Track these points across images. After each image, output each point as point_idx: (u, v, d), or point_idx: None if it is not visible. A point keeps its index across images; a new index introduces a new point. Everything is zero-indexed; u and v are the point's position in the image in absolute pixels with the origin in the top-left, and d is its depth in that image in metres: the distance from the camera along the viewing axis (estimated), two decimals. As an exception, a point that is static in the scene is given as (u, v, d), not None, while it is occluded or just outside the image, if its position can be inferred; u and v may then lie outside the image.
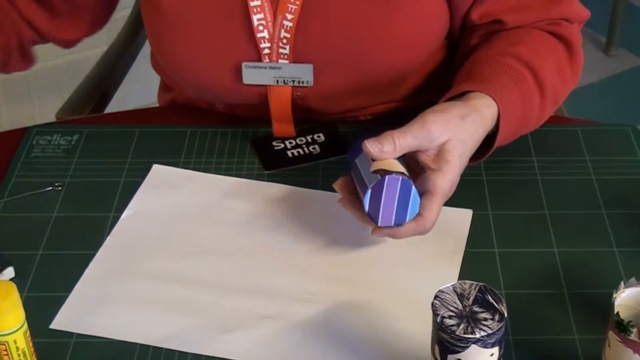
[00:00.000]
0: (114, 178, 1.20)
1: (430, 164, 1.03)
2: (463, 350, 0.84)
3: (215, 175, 1.20)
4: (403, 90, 1.28)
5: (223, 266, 1.07)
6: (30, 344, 0.90)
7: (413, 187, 0.99)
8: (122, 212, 1.14)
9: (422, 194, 1.01)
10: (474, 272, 1.05)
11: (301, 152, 1.23)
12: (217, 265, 1.07)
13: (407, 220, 1.01)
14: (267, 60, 1.18)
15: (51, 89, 2.48)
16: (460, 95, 1.11)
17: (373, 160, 1.02)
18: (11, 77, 2.57)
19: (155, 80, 1.44)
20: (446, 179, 1.02)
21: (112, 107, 1.52)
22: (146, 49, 1.45)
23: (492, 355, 0.85)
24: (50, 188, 1.18)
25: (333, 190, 1.16)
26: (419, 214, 1.01)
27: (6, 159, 1.23)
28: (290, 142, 1.24)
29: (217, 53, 1.19)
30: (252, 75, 1.19)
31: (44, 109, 2.17)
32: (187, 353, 0.98)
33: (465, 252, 1.08)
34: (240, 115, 1.28)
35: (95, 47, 1.62)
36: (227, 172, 1.20)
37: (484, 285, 0.87)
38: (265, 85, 1.20)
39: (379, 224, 1.01)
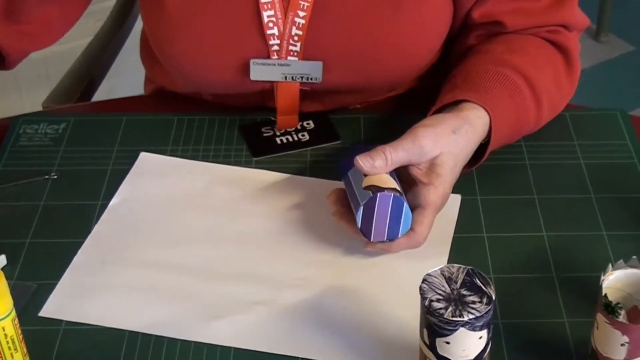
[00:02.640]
0: (101, 166, 1.19)
1: (421, 178, 1.04)
2: (451, 334, 0.84)
3: (203, 162, 1.20)
4: (403, 85, 1.29)
5: (211, 253, 1.07)
6: (19, 331, 0.90)
7: (405, 203, 1.00)
8: (109, 200, 1.14)
9: (413, 208, 1.02)
10: (463, 256, 1.05)
11: (290, 139, 1.23)
12: (206, 252, 1.07)
13: (400, 235, 1.02)
14: (276, 57, 1.18)
15: (40, 80, 2.46)
16: (453, 104, 1.10)
17: (365, 174, 1.03)
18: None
19: (141, 71, 1.43)
20: (438, 193, 1.03)
21: (100, 98, 1.51)
22: (134, 40, 1.45)
23: (480, 338, 0.85)
24: (47, 177, 1.18)
25: (321, 177, 1.17)
26: (411, 229, 1.02)
27: (-7, 148, 1.23)
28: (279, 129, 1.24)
29: (223, 49, 1.18)
30: (260, 71, 1.18)
31: (33, 100, 2.16)
32: (176, 339, 0.97)
33: (454, 237, 1.08)
34: (228, 104, 1.28)
35: (84, 38, 1.62)
36: (215, 159, 1.20)
37: (471, 269, 0.87)
38: (271, 82, 1.20)
39: (372, 239, 1.02)
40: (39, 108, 1.41)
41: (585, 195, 1.14)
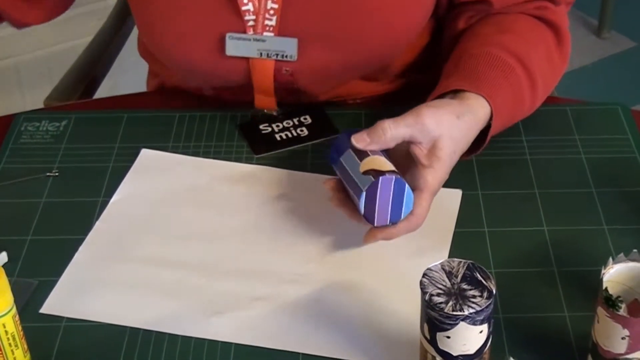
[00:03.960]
0: (102, 163, 1.19)
1: (422, 159, 1.02)
2: (452, 328, 0.84)
3: (203, 159, 1.20)
4: (390, 72, 1.28)
5: (212, 249, 1.07)
6: (20, 328, 0.90)
7: (406, 185, 0.99)
8: (110, 197, 1.14)
9: (412, 189, 1.01)
10: (463, 251, 1.05)
11: (289, 134, 1.23)
12: (207, 248, 1.07)
13: (402, 217, 1.01)
14: (252, 32, 1.17)
15: (42, 79, 2.47)
16: (452, 92, 1.10)
17: (359, 156, 1.01)
18: (1, 67, 2.57)
19: (143, 69, 1.44)
20: (437, 177, 1.02)
21: (102, 96, 1.52)
22: (135, 38, 1.45)
23: (481, 332, 0.85)
24: (48, 174, 1.18)
25: (322, 173, 1.16)
26: (410, 213, 1.01)
27: (-5, 146, 1.23)
28: (278, 125, 1.24)
29: (201, 25, 1.17)
30: (235, 47, 1.17)
31: (35, 99, 2.16)
32: (177, 335, 0.97)
33: (454, 232, 1.08)
34: (227, 99, 1.28)
35: (86, 36, 1.62)
36: (216, 156, 1.20)
37: (472, 263, 0.87)
38: (248, 59, 1.19)
39: (375, 224, 1.01)
40: (41, 107, 1.41)
41: (586, 189, 1.14)
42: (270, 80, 1.21)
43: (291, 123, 1.24)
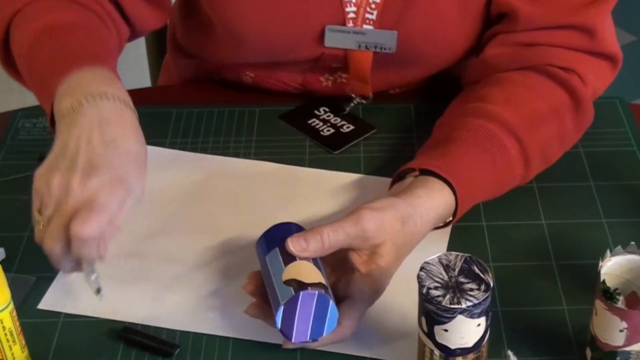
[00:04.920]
0: (100, 159, 1.19)
1: (360, 267, 0.94)
2: (449, 321, 0.84)
3: (202, 154, 1.19)
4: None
5: (210, 244, 1.07)
6: (18, 324, 0.90)
7: (331, 301, 0.89)
8: (109, 192, 1.14)
9: (344, 297, 0.94)
10: (462, 245, 1.05)
11: (332, 130, 1.23)
12: (205, 243, 1.07)
13: (324, 334, 0.92)
14: (352, 24, 1.17)
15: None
16: (423, 171, 1.02)
17: (285, 259, 0.92)
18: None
19: (142, 65, 1.43)
20: (375, 287, 0.94)
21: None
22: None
23: (478, 325, 0.85)
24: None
25: (320, 167, 1.16)
26: (338, 323, 0.92)
27: (-8, 142, 1.23)
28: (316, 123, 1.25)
29: (298, 16, 1.17)
30: (334, 38, 1.18)
31: (35, 98, 2.17)
32: (175, 330, 0.97)
33: (453, 226, 1.07)
34: (265, 87, 1.27)
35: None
36: (214, 151, 1.20)
37: (469, 256, 0.87)
38: (344, 49, 1.19)
39: (293, 341, 0.92)
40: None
41: (585, 183, 1.14)
42: (368, 70, 1.21)
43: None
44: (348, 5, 1.16)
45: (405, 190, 1.00)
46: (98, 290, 0.95)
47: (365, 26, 1.17)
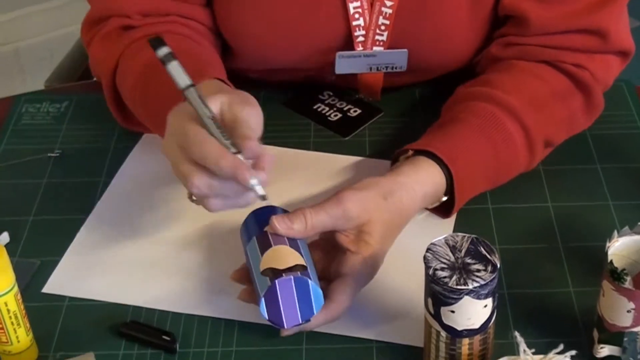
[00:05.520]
0: (103, 144, 1.19)
1: (349, 246, 0.94)
2: (456, 302, 0.83)
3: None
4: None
5: (214, 228, 1.06)
6: (22, 307, 0.90)
7: (309, 280, 0.88)
8: (112, 177, 1.14)
9: (337, 276, 0.93)
10: (468, 228, 1.04)
11: (340, 114, 1.23)
12: (208, 228, 1.06)
13: (315, 313, 0.91)
14: (361, 48, 1.16)
15: (43, 64, 2.46)
16: (418, 152, 1.03)
17: (261, 247, 0.91)
18: (3, 51, 2.57)
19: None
20: (365, 263, 0.94)
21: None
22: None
23: (485, 306, 0.84)
24: (49, 155, 1.17)
25: (324, 151, 1.16)
26: (330, 300, 0.92)
27: (-4, 127, 1.23)
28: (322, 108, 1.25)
29: (307, 39, 1.15)
30: (345, 64, 1.17)
31: (37, 84, 2.17)
32: (180, 314, 0.97)
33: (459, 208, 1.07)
34: (274, 80, 1.26)
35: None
36: (218, 135, 1.19)
37: (476, 237, 0.86)
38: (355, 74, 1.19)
39: (286, 327, 0.91)
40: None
41: (591, 165, 1.14)
42: (379, 88, 1.22)
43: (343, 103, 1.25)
44: (357, 29, 1.15)
45: (392, 169, 1.01)
46: (263, 197, 0.88)
47: (375, 48, 1.16)
